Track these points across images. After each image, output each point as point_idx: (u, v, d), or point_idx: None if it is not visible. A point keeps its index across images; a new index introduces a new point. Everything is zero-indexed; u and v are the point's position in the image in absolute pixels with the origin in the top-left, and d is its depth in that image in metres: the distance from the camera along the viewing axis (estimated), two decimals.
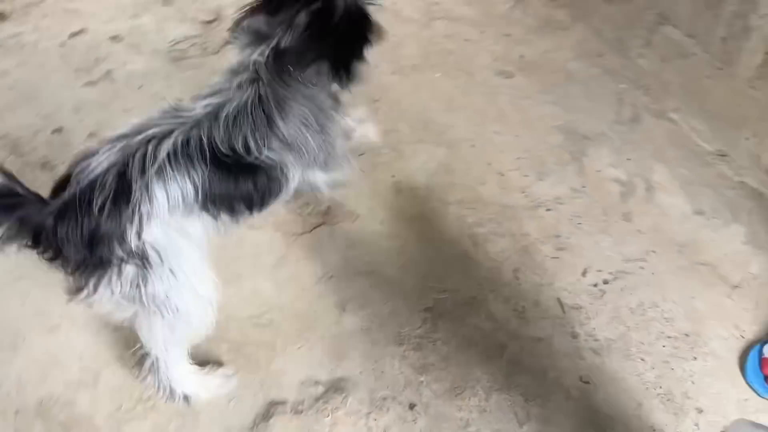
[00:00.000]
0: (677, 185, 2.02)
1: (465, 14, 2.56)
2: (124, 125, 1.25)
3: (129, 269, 1.21)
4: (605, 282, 1.79)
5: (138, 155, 1.18)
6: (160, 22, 2.43)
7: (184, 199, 1.21)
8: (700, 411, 1.56)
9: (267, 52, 1.30)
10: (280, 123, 1.30)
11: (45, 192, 1.19)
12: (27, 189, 1.16)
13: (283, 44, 1.28)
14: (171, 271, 1.24)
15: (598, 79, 2.33)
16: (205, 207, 1.26)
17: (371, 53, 1.37)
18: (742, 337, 1.71)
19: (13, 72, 2.19)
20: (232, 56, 1.39)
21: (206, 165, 1.22)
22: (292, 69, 1.30)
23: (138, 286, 1.23)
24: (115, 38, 2.35)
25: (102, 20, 2.42)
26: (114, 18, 2.43)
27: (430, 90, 2.26)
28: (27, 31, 2.36)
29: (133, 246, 1.18)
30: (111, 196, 1.16)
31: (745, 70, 1.92)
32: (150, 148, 1.19)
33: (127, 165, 1.17)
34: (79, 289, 1.22)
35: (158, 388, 1.48)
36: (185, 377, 1.49)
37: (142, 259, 1.21)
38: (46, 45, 2.30)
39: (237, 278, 1.73)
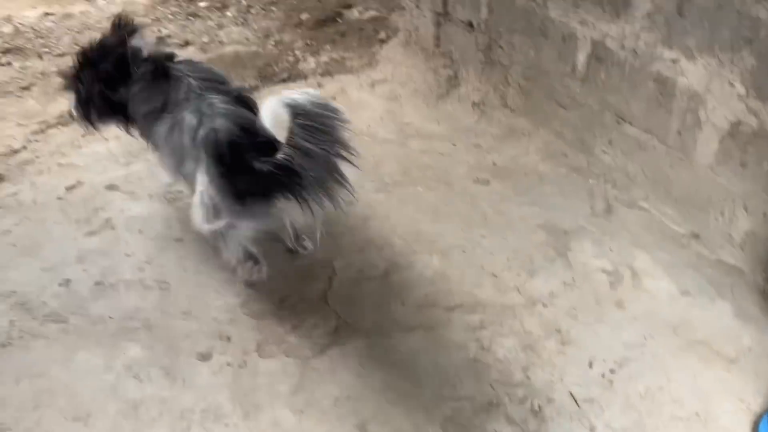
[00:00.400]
0: (660, 269, 2.15)
1: (435, 131, 2.76)
2: None
3: None
4: (612, 371, 1.86)
5: None
6: (153, 169, 2.55)
7: None
8: None
9: None
10: None
11: None
12: None
13: None
14: None
15: (568, 177, 2.51)
16: None
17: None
18: (749, 409, 1.78)
19: (14, 230, 2.25)
20: None
21: None
22: None
23: None
24: (110, 187, 2.45)
25: (96, 171, 2.53)
26: (107, 168, 2.55)
27: (415, 203, 2.40)
28: (24, 189, 2.45)
29: None
30: None
31: (703, 157, 2.12)
32: None
33: None
34: None
35: None
36: None
37: None
38: (44, 200, 2.39)
39: (255, 409, 1.75)
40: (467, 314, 2.00)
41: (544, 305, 2.03)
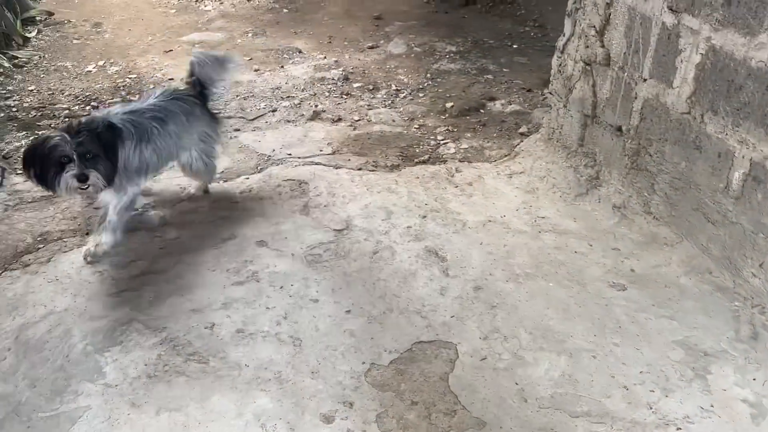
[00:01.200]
0: None
1: (571, 228, 2.76)
2: None
3: None
4: None
5: None
6: (298, 229, 2.73)
7: None
8: None
9: None
10: None
11: None
12: None
13: None
14: None
15: (712, 296, 2.40)
16: None
17: None
18: None
19: (174, 271, 2.48)
20: None
21: None
22: None
23: None
24: (260, 243, 2.65)
25: (250, 227, 2.75)
26: (260, 225, 2.76)
27: (546, 298, 2.39)
28: (187, 235, 2.70)
29: None
30: None
31: None
32: None
33: None
34: None
35: None
36: None
37: None
38: (202, 247, 2.62)
39: None
40: (593, 424, 1.93)
41: (678, 429, 1.92)
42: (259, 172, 3.26)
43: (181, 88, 2.89)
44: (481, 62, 4.81)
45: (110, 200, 2.50)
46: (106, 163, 2.31)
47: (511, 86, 4.39)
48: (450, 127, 3.80)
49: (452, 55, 4.98)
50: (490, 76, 4.55)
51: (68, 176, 2.26)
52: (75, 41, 5.33)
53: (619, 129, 2.76)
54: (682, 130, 2.44)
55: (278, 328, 2.22)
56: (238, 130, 3.77)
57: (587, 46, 2.83)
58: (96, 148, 2.28)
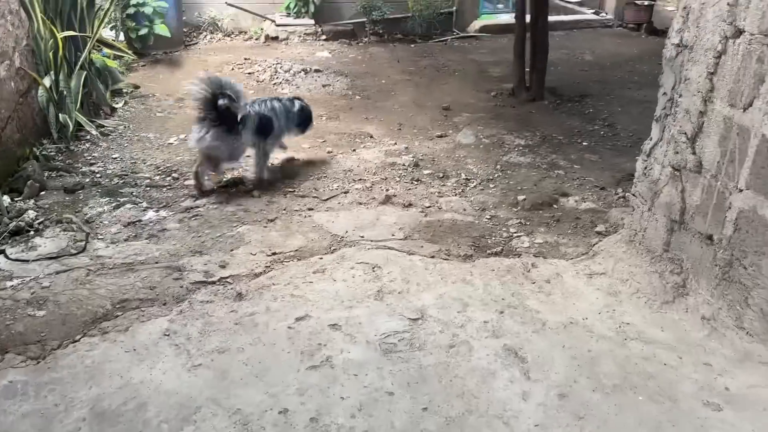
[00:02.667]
0: None
1: (659, 337, 2.63)
2: None
3: None
4: None
5: None
6: (372, 315, 2.69)
7: None
8: None
9: None
10: None
11: None
12: None
13: None
14: None
15: None
16: None
17: None
18: None
19: (248, 349, 2.46)
20: None
21: None
22: None
23: None
24: (334, 326, 2.61)
25: (323, 308, 2.72)
26: (333, 307, 2.73)
27: (636, 413, 2.24)
28: (260, 311, 2.69)
29: None
30: None
31: None
32: None
33: None
34: None
35: None
36: None
37: None
38: (275, 326, 2.60)
39: None
40: None
41: None
42: (332, 252, 3.27)
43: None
44: (551, 157, 4.82)
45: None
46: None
47: (583, 183, 4.36)
48: (522, 220, 3.76)
49: (521, 148, 5.01)
50: (561, 172, 4.54)
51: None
52: (158, 114, 5.61)
53: (710, 238, 2.67)
54: None
55: (353, 421, 2.14)
56: (312, 209, 3.82)
57: (677, 152, 2.80)
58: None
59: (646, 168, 3.03)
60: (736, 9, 2.44)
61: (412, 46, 8.21)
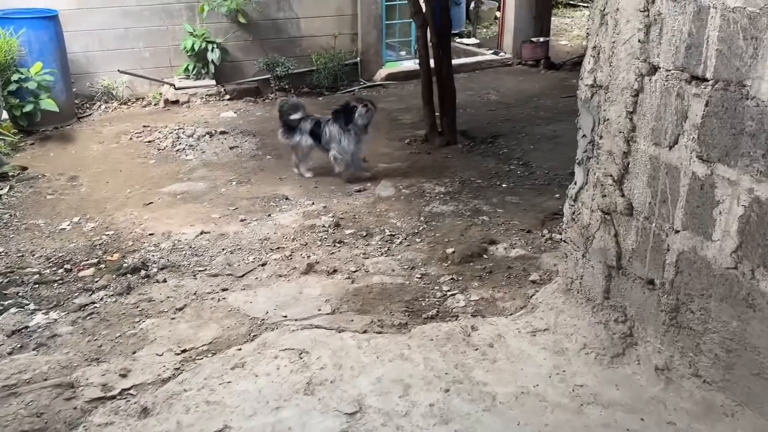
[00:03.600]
0: None
1: (615, 398, 2.44)
2: None
3: None
4: None
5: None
6: (303, 416, 2.36)
7: None
8: None
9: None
10: None
11: None
12: None
13: None
14: None
15: None
16: None
17: None
18: None
19: None
20: None
21: None
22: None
23: None
24: None
25: (245, 415, 2.37)
26: (256, 412, 2.39)
27: None
28: (170, 429, 2.30)
29: None
30: None
31: None
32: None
33: None
34: None
35: None
36: None
37: None
38: None
39: None
40: None
41: None
42: (251, 340, 2.92)
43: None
44: (473, 203, 4.69)
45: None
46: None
47: (509, 228, 4.23)
48: (454, 276, 3.56)
49: (442, 196, 4.86)
50: (485, 218, 4.41)
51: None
52: (49, 196, 5.10)
53: (651, 282, 2.54)
54: (729, 287, 2.22)
55: None
56: (226, 289, 3.46)
57: (604, 195, 2.68)
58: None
59: (574, 213, 2.90)
60: (648, 46, 2.37)
61: (320, 99, 8.05)
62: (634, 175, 2.54)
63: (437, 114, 6.21)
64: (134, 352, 2.84)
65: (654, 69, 2.37)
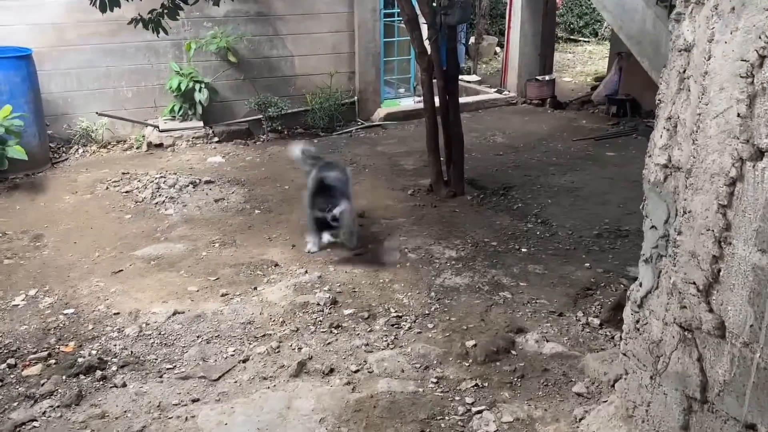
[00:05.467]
0: None
1: None
2: None
3: None
4: None
5: None
6: None
7: None
8: None
9: None
10: None
11: None
12: None
13: None
14: None
15: None
16: None
17: None
18: None
19: None
20: None
21: None
22: None
23: None
24: None
25: None
26: None
27: None
28: None
29: None
30: None
31: None
32: None
33: None
34: None
35: None
36: None
37: None
38: None
39: None
40: None
41: None
42: None
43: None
44: (491, 274, 4.07)
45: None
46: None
47: (537, 309, 3.61)
48: (479, 381, 2.92)
49: (454, 262, 4.25)
50: (507, 294, 3.79)
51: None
52: (7, 261, 4.46)
53: (752, 427, 1.92)
54: None
55: None
56: (197, 400, 2.82)
57: (684, 307, 2.07)
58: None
59: (638, 322, 2.28)
60: (752, 122, 1.78)
61: (315, 140, 7.48)
62: (728, 287, 1.93)
63: (443, 160, 5.64)
64: None
65: (760, 153, 1.78)
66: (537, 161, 6.65)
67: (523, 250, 4.47)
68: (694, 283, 2.01)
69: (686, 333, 2.07)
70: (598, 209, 5.15)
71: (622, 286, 3.79)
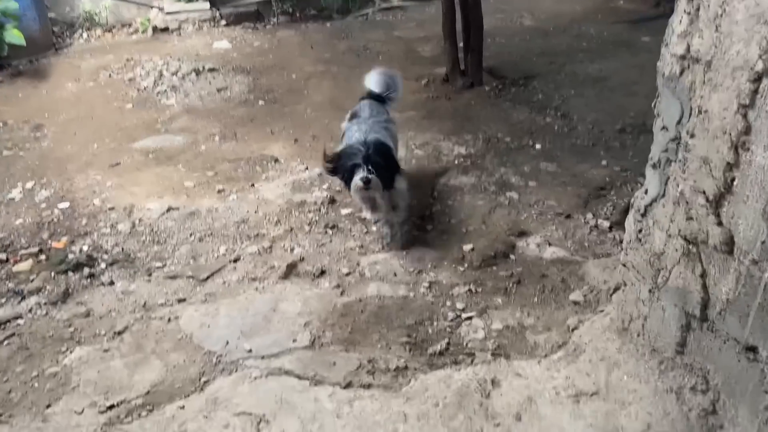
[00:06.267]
0: None
1: None
2: None
3: None
4: None
5: None
6: None
7: None
8: None
9: None
10: None
11: None
12: None
13: None
14: None
15: None
16: None
17: None
18: None
19: None
20: None
21: None
22: None
23: None
24: None
25: None
26: None
27: None
28: None
29: None
30: None
31: None
32: None
33: None
34: None
35: None
36: None
37: None
38: None
39: None
40: None
41: None
42: (200, 389, 2.24)
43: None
44: (500, 172, 3.84)
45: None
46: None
47: (543, 211, 3.41)
48: (472, 286, 2.79)
49: (462, 160, 4.02)
50: (514, 195, 3.58)
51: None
52: (6, 152, 4.38)
53: (753, 350, 1.76)
54: None
55: None
56: (183, 301, 2.77)
57: (690, 218, 1.85)
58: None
59: (641, 232, 2.08)
60: None
61: (328, 24, 7.05)
62: (741, 198, 1.70)
63: (461, 47, 5.24)
64: (48, 406, 2.18)
65: None
66: (565, 47, 6.15)
67: (537, 146, 4.20)
68: (704, 192, 1.78)
69: (690, 246, 1.87)
70: (624, 101, 4.77)
71: (638, 185, 3.53)
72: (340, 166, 3.01)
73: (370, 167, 2.84)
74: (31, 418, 2.12)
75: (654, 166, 1.99)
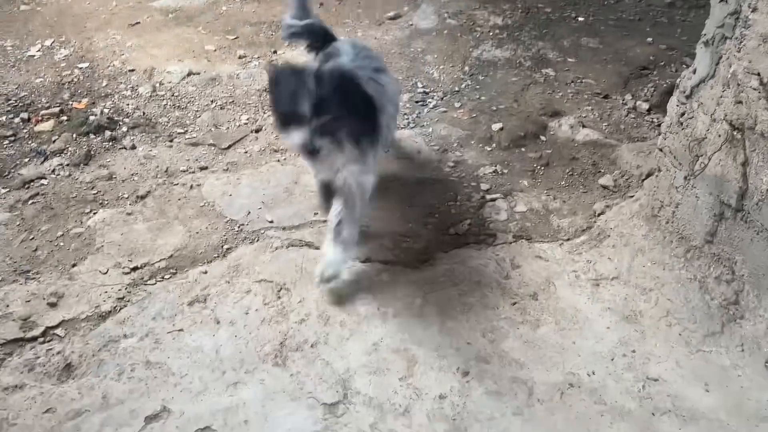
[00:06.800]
0: None
1: (702, 406, 1.74)
2: None
3: None
4: None
5: None
6: (267, 401, 1.77)
7: None
8: None
9: None
10: None
11: None
12: None
13: None
14: None
15: None
16: None
17: None
18: None
19: None
20: None
21: None
22: None
23: None
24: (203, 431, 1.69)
25: (192, 392, 1.76)
26: (207, 387, 1.78)
27: None
28: (91, 407, 1.75)
29: None
30: None
31: None
32: None
33: None
34: None
35: None
36: None
37: None
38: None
39: None
40: None
41: None
42: (223, 256, 2.26)
43: None
44: (537, 46, 3.62)
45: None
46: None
47: (580, 89, 3.24)
48: (499, 167, 2.72)
49: (498, 32, 3.78)
50: (550, 72, 3.39)
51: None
52: (23, 6, 4.22)
53: None
54: None
55: None
56: (205, 168, 2.74)
57: (740, 102, 1.71)
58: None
59: (683, 115, 1.95)
60: None
61: None
62: None
63: None
64: (74, 265, 2.23)
65: None
66: None
67: (579, 18, 3.92)
68: (759, 74, 1.64)
69: (735, 132, 1.75)
70: None
71: (684, 66, 3.32)
72: (275, 103, 1.96)
73: (320, 123, 1.77)
74: (58, 275, 2.17)
75: (706, 44, 1.82)
